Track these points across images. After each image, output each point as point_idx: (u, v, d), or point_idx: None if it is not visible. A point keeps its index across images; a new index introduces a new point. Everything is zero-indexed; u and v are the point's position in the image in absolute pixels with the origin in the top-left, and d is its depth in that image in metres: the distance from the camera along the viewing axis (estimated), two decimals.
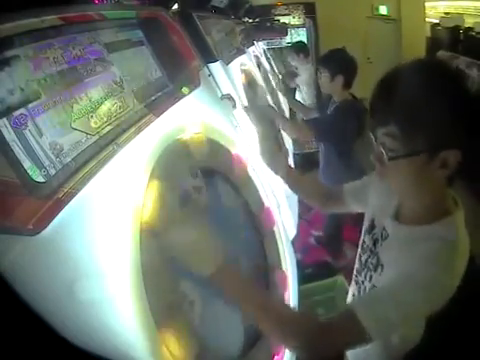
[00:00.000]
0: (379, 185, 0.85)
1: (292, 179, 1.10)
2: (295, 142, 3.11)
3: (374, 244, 0.82)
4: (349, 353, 0.97)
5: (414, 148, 0.61)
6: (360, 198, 0.94)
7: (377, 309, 0.62)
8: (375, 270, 0.79)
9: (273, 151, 1.11)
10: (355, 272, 0.93)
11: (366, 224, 0.90)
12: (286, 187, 1.15)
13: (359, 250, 0.92)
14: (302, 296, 1.33)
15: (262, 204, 1.20)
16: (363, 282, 0.87)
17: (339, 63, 1.86)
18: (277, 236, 1.22)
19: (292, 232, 1.67)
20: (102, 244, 0.55)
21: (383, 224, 0.80)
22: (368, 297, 0.68)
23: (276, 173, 1.10)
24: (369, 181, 0.91)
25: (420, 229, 0.69)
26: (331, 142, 1.92)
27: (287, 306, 0.70)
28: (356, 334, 0.62)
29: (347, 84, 1.87)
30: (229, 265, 0.71)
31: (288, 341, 0.71)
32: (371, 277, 0.81)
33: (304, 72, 3.66)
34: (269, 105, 1.99)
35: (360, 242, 0.91)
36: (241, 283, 0.73)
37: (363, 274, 0.86)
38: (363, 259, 0.88)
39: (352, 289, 0.95)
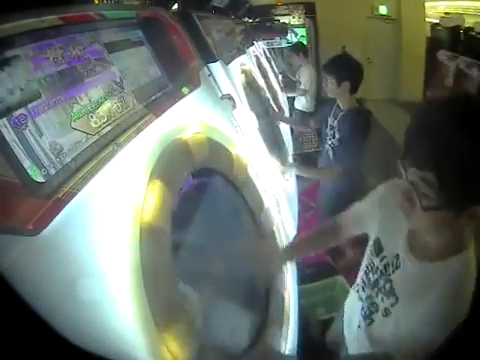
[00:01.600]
0: (386, 208, 0.84)
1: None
2: (295, 141, 3.11)
3: (385, 268, 0.82)
4: None
5: (448, 200, 0.61)
6: (361, 222, 0.95)
7: (405, 349, 0.70)
8: (388, 297, 0.79)
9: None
10: (359, 287, 0.92)
11: (370, 243, 0.89)
12: (285, 187, 1.15)
13: (363, 265, 0.90)
14: (302, 296, 1.33)
15: (262, 204, 1.20)
16: (370, 297, 0.86)
17: (345, 69, 1.81)
18: (277, 236, 1.22)
19: (292, 232, 1.67)
20: (102, 244, 0.55)
21: (395, 250, 0.80)
22: (396, 342, 0.74)
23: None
24: (365, 207, 0.93)
25: (438, 265, 0.70)
26: (358, 160, 1.86)
27: None
28: None
29: (354, 89, 1.83)
30: None
31: None
32: (383, 299, 0.81)
33: (304, 71, 3.68)
34: (291, 164, 1.99)
35: (366, 260, 0.90)
36: None
37: (373, 293, 0.85)
38: (372, 278, 0.86)
39: (358, 305, 0.92)
